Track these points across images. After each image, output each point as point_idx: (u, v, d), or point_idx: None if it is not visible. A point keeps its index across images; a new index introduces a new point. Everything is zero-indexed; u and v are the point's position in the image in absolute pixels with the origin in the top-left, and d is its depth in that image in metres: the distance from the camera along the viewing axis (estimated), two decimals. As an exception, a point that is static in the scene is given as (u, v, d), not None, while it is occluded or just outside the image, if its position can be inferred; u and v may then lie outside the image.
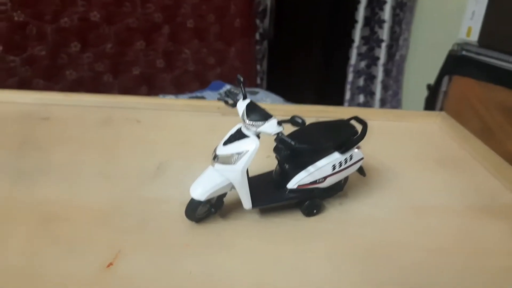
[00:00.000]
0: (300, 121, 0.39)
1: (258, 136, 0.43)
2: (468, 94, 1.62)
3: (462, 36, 1.60)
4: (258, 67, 1.81)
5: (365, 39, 1.94)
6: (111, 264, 0.38)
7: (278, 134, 0.41)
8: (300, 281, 0.39)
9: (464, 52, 1.61)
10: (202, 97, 1.31)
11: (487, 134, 1.52)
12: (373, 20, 1.89)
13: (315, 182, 0.48)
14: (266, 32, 1.77)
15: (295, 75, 1.99)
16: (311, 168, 0.47)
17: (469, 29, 1.61)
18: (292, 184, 0.48)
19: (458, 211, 0.51)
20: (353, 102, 2.06)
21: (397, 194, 0.53)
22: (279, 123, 0.41)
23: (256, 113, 0.42)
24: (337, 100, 2.08)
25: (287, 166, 0.48)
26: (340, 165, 0.48)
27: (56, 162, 0.54)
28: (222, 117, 0.69)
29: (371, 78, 2.02)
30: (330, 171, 0.48)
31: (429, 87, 1.76)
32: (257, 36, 1.77)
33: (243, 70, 1.79)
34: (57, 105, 0.69)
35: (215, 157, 0.44)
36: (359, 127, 0.50)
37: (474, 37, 1.59)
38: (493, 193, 0.55)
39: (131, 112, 0.69)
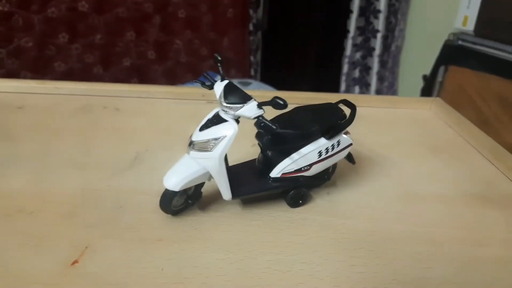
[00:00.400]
0: (282, 102, 0.36)
1: (237, 120, 0.40)
2: (464, 85, 1.60)
3: (458, 25, 1.58)
4: (252, 58, 1.78)
5: (360, 30, 1.91)
6: (76, 261, 0.35)
7: (258, 117, 0.38)
8: (283, 276, 0.36)
9: (460, 42, 1.58)
10: (193, 88, 1.28)
11: (483, 125, 1.49)
12: (368, 10, 1.86)
13: (300, 170, 0.45)
14: (259, 22, 1.73)
15: (290, 66, 1.96)
16: (295, 155, 0.44)
17: (465, 18, 1.58)
18: (276, 172, 0.44)
19: (452, 199, 0.48)
20: (348, 93, 2.03)
21: (389, 183, 0.50)
22: (260, 105, 0.38)
23: (234, 95, 0.39)
24: (332, 91, 2.05)
25: (269, 153, 0.45)
26: (327, 152, 0.45)
27: (26, 153, 0.51)
28: (207, 105, 0.67)
29: (366, 69, 1.99)
30: (316, 158, 0.45)
31: (425, 77, 1.74)
32: (251, 27, 1.73)
33: (237, 61, 1.76)
34: (33, 94, 0.66)
35: (191, 144, 0.40)
36: (347, 112, 0.47)
37: (470, 26, 1.56)
38: (489, 180, 0.52)
39: (110, 100, 0.66)
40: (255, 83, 1.37)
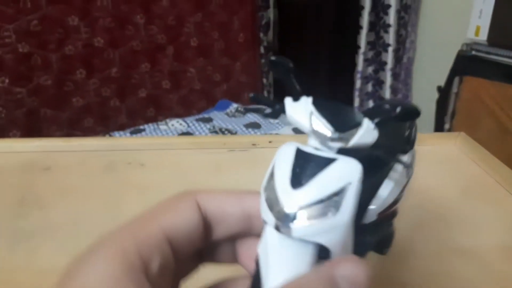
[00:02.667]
0: (412, 108, 0.23)
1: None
2: (481, 95, 1.58)
3: (470, 35, 1.57)
4: (264, 80, 1.80)
5: (371, 45, 1.92)
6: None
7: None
8: None
9: (473, 52, 1.58)
10: (209, 118, 1.30)
11: (504, 134, 1.48)
12: (378, 25, 1.86)
13: (398, 199, 0.30)
14: (270, 45, 1.75)
15: (302, 86, 1.97)
16: (393, 176, 0.30)
17: (478, 28, 1.57)
18: (372, 213, 0.29)
19: (489, 253, 0.47)
20: (362, 109, 2.03)
21: (417, 235, 0.50)
22: (378, 123, 0.24)
23: (340, 115, 0.23)
24: (346, 107, 2.05)
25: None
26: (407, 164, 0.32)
27: (56, 221, 0.51)
28: (228, 153, 0.68)
29: (379, 83, 1.99)
30: (405, 176, 0.31)
31: (439, 89, 1.73)
32: (262, 50, 1.75)
33: (249, 84, 1.77)
34: (59, 152, 0.68)
35: (284, 218, 0.22)
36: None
37: (483, 36, 1.55)
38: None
39: (134, 154, 0.67)
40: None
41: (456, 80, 1.68)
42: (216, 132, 1.21)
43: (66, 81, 1.46)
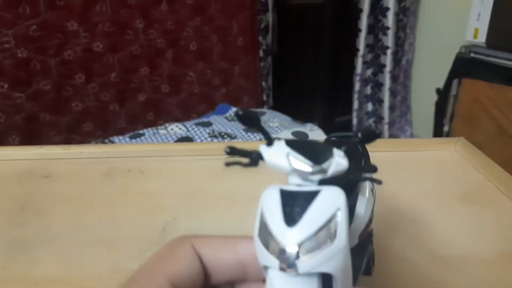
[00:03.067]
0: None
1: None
2: (480, 97, 1.59)
3: (469, 38, 1.57)
4: (264, 83, 1.80)
5: (370, 47, 1.92)
6: None
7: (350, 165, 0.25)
8: None
9: (472, 55, 1.58)
10: (209, 122, 1.30)
11: (503, 136, 1.48)
12: (377, 28, 1.86)
13: (372, 217, 0.32)
14: (269, 48, 1.75)
15: (302, 87, 1.97)
16: (364, 194, 0.31)
17: (476, 31, 1.58)
18: (354, 235, 0.30)
19: (490, 259, 0.47)
20: (361, 111, 2.03)
21: (413, 242, 0.50)
22: (345, 153, 0.25)
23: (313, 150, 0.24)
24: (345, 110, 2.05)
25: None
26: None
27: (56, 229, 0.51)
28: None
29: (378, 85, 1.99)
30: (371, 196, 0.33)
31: (438, 91, 1.73)
32: (261, 53, 1.75)
33: (249, 87, 1.78)
34: (58, 160, 0.68)
35: (287, 258, 0.22)
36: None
37: (481, 38, 1.56)
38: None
39: (133, 161, 0.67)
40: (269, 113, 1.38)
41: (455, 82, 1.69)
42: (215, 136, 1.21)
43: (65, 86, 1.46)
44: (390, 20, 1.79)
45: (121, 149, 0.70)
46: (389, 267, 0.45)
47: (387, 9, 1.76)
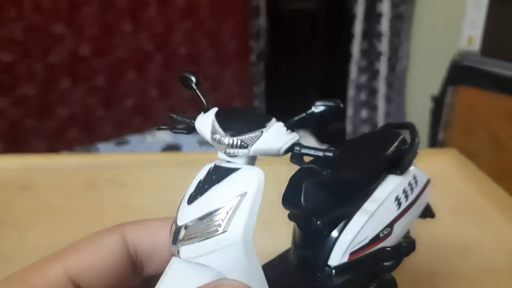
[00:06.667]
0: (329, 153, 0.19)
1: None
2: (475, 105, 1.57)
3: (463, 45, 1.56)
4: (256, 89, 1.77)
5: (364, 53, 1.90)
6: None
7: (294, 147, 0.20)
8: None
9: (466, 62, 1.56)
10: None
11: (497, 145, 1.46)
12: (371, 34, 1.85)
13: (377, 237, 0.25)
14: (261, 53, 1.73)
15: (294, 93, 1.95)
16: (366, 211, 0.25)
17: (470, 38, 1.56)
18: (338, 254, 0.24)
19: (482, 275, 0.44)
20: (356, 118, 2.01)
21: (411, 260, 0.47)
22: (290, 126, 0.21)
23: (238, 120, 0.20)
24: (339, 116, 2.03)
25: (319, 222, 0.25)
26: (406, 196, 0.27)
27: (31, 243, 0.49)
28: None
29: (372, 92, 1.97)
30: (395, 210, 0.26)
31: (433, 98, 1.72)
32: (253, 58, 1.72)
33: (240, 93, 1.74)
34: (38, 169, 0.65)
35: (177, 234, 0.20)
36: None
37: (475, 46, 1.54)
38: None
39: (115, 172, 0.64)
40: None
41: (450, 90, 1.67)
42: (204, 143, 1.18)
43: (50, 90, 1.43)
44: (384, 25, 1.77)
45: (103, 159, 0.68)
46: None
47: (380, 15, 1.74)
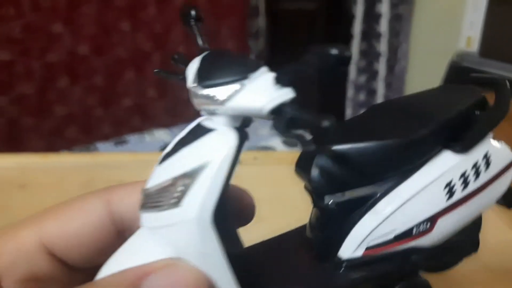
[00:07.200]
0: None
1: (240, 128, 0.18)
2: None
3: (461, 46, 1.56)
4: (254, 89, 1.77)
5: (363, 54, 1.90)
6: None
7: (281, 108, 0.16)
8: None
9: (465, 63, 1.56)
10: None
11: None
12: (370, 34, 1.85)
13: (408, 234, 0.20)
14: (260, 54, 1.72)
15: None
16: (399, 195, 0.20)
17: (469, 39, 1.56)
18: (352, 246, 0.20)
19: (476, 277, 0.44)
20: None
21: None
22: (281, 79, 0.17)
23: (223, 67, 0.17)
24: (338, 117, 2.03)
25: (330, 202, 0.20)
26: (466, 183, 0.20)
27: None
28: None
29: (372, 92, 1.97)
30: (443, 201, 0.20)
31: (432, 99, 1.72)
32: (252, 58, 1.72)
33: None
34: (36, 168, 0.64)
35: (141, 199, 0.18)
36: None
37: (474, 47, 1.54)
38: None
39: (113, 172, 0.64)
40: (260, 119, 1.34)
41: (448, 90, 1.67)
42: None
43: (49, 89, 1.42)
44: (383, 26, 1.77)
45: (101, 158, 0.67)
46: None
47: (380, 15, 1.74)
